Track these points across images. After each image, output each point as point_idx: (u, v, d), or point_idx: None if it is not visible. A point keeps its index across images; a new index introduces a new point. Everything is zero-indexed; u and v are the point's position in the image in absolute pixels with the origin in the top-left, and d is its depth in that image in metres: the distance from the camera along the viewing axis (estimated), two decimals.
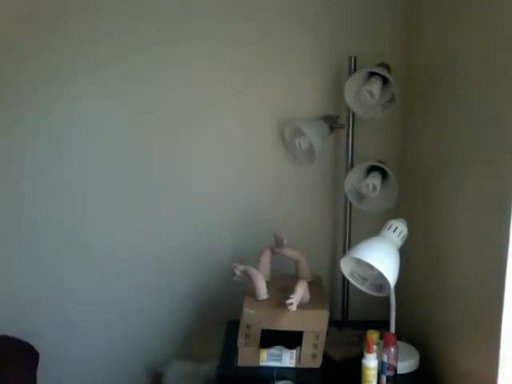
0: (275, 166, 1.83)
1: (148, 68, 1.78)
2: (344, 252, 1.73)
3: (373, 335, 1.36)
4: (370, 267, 1.29)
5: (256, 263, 1.60)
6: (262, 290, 1.48)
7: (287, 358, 1.45)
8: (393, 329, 1.39)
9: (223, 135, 1.82)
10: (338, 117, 1.76)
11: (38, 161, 1.84)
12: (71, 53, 1.76)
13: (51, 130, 1.82)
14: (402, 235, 1.36)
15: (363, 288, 1.39)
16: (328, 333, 1.45)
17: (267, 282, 1.52)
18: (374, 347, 1.28)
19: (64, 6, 1.74)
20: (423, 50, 1.61)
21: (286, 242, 1.58)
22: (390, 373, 1.31)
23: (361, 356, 1.28)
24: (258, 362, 1.45)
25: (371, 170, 1.64)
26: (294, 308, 1.34)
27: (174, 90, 1.79)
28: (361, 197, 1.68)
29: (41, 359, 1.71)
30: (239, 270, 1.50)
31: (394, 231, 1.35)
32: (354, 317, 1.81)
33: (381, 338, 1.38)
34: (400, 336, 1.47)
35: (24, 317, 1.91)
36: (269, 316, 1.42)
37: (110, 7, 1.74)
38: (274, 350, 1.45)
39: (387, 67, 1.61)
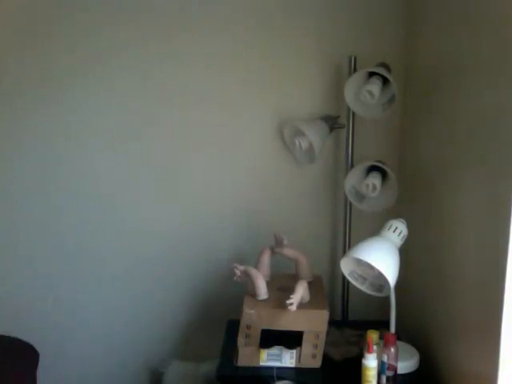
0: (275, 166, 1.83)
1: (147, 66, 1.78)
2: (344, 252, 1.73)
3: (373, 335, 1.36)
4: (370, 267, 1.29)
5: (256, 263, 1.60)
6: (262, 290, 1.48)
7: (287, 358, 1.45)
8: (393, 329, 1.39)
9: (223, 135, 1.82)
10: (338, 117, 1.76)
11: (36, 160, 1.84)
12: (71, 49, 1.77)
13: (52, 127, 1.82)
14: (402, 235, 1.36)
15: (363, 288, 1.40)
16: (328, 333, 1.45)
17: (267, 282, 1.52)
18: (374, 347, 1.28)
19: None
20: (423, 50, 1.61)
21: (285, 241, 1.58)
22: (390, 373, 1.31)
23: (361, 356, 1.28)
24: (258, 361, 1.45)
25: (371, 170, 1.64)
26: (294, 308, 1.34)
27: (172, 91, 1.79)
28: (361, 197, 1.68)
29: (41, 359, 1.71)
30: (239, 270, 1.50)
31: (394, 231, 1.35)
32: (354, 317, 1.80)
33: (381, 338, 1.38)
34: (400, 336, 1.47)
35: (24, 317, 1.92)
36: (269, 316, 1.42)
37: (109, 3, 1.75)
38: (274, 350, 1.45)
39: (387, 67, 1.61)
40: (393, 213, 1.63)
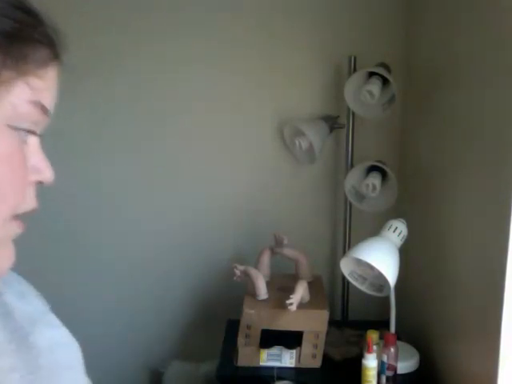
0: (275, 166, 1.83)
1: (147, 68, 1.78)
2: (344, 252, 1.73)
3: (373, 335, 1.36)
4: (370, 267, 1.29)
5: (256, 263, 1.60)
6: (262, 290, 1.48)
7: (287, 358, 1.45)
8: (393, 329, 1.39)
9: (223, 135, 1.82)
10: (338, 117, 1.76)
11: None
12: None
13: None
14: (401, 235, 1.36)
15: (363, 288, 1.40)
16: (328, 333, 1.45)
17: (267, 282, 1.52)
18: (374, 347, 1.28)
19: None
20: (423, 50, 1.61)
21: (285, 241, 1.58)
22: (390, 373, 1.31)
23: (361, 356, 1.28)
24: (258, 362, 1.46)
25: (371, 170, 1.64)
26: (294, 308, 1.34)
27: (172, 90, 1.79)
28: (361, 197, 1.68)
29: None
30: (239, 270, 1.50)
31: (394, 231, 1.35)
32: (354, 317, 1.80)
33: (381, 338, 1.38)
34: (400, 336, 1.47)
35: None
36: (269, 316, 1.42)
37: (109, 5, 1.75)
38: (274, 350, 1.45)
39: (387, 67, 1.61)
40: (393, 213, 1.63)
